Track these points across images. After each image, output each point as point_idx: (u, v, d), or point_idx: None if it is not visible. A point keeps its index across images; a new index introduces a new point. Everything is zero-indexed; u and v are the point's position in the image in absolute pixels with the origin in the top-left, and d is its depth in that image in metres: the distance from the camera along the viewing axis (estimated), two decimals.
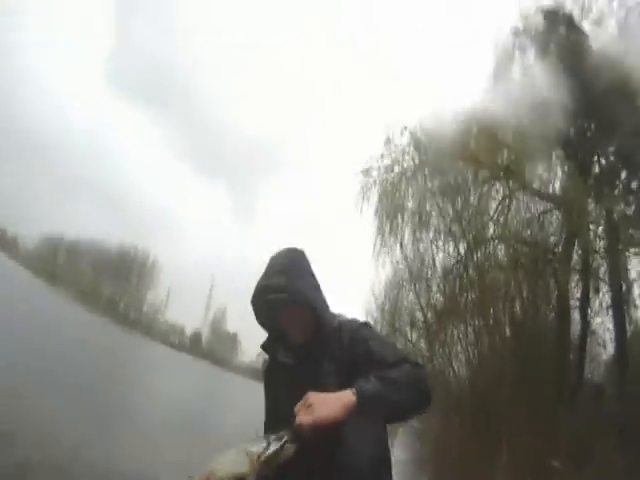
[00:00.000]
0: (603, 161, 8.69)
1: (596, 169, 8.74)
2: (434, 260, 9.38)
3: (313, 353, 1.51)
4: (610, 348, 8.05)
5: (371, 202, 9.53)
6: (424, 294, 9.50)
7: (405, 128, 9.51)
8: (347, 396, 1.25)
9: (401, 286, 9.79)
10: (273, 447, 1.24)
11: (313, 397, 1.25)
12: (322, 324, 1.52)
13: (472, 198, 9.03)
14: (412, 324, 9.66)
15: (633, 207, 8.07)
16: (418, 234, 9.37)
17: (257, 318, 1.61)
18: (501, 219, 8.78)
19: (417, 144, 9.56)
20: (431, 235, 9.34)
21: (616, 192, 8.35)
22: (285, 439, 1.24)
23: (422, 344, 9.64)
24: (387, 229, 9.35)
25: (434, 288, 9.39)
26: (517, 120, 8.78)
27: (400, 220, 9.42)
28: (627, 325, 7.88)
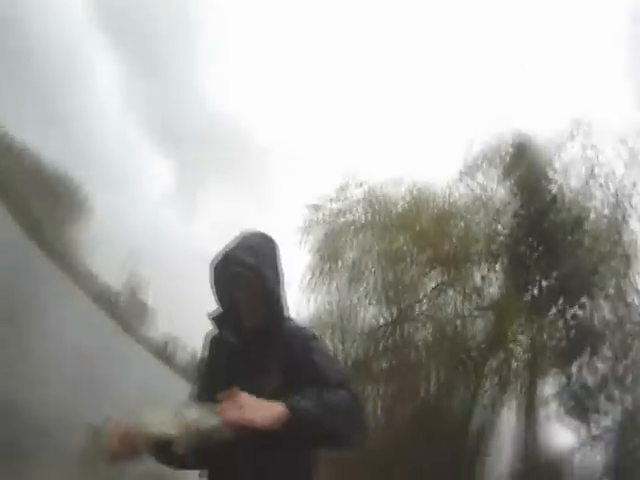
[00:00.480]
0: (544, 284, 8.82)
1: (535, 290, 8.83)
2: (362, 316, 9.24)
3: (260, 340, 1.47)
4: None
5: (312, 238, 9.43)
6: (346, 345, 9.23)
7: (362, 184, 9.48)
8: (279, 408, 1.19)
9: (325, 329, 9.37)
10: (211, 421, 1.17)
11: (245, 398, 1.18)
12: (276, 315, 1.50)
13: (412, 270, 8.70)
14: None
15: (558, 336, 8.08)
16: (352, 285, 9.22)
17: (214, 285, 1.55)
18: (433, 302, 8.50)
19: (371, 203, 9.52)
20: (363, 290, 9.16)
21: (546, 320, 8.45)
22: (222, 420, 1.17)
23: None
24: (322, 269, 9.22)
25: (356, 343, 9.15)
26: (470, 217, 8.99)
27: (336, 266, 9.31)
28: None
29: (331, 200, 9.61)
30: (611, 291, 8.50)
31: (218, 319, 1.56)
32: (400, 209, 9.27)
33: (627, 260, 8.42)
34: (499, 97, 14.13)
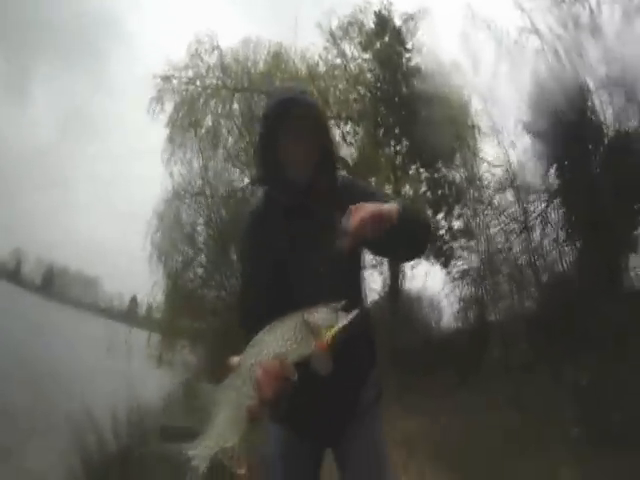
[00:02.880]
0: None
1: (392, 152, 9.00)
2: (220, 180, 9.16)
3: (320, 197, 1.35)
4: None
5: (165, 110, 8.92)
6: (205, 211, 9.24)
7: (216, 47, 9.05)
8: (393, 204, 1.20)
9: (183, 198, 9.29)
10: (342, 320, 1.08)
11: (364, 205, 1.14)
12: (333, 167, 1.39)
13: None
14: (191, 239, 9.37)
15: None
16: (210, 152, 9.02)
17: (264, 136, 1.36)
18: None
19: (227, 66, 9.04)
20: (222, 156, 9.06)
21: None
22: (356, 312, 1.09)
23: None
24: (178, 141, 8.94)
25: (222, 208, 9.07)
26: (330, 82, 9.02)
27: (194, 135, 8.97)
28: None
29: (185, 67, 8.93)
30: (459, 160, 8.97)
31: (264, 183, 1.43)
32: (258, 71, 8.81)
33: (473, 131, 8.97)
34: None
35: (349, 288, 1.34)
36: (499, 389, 5.41)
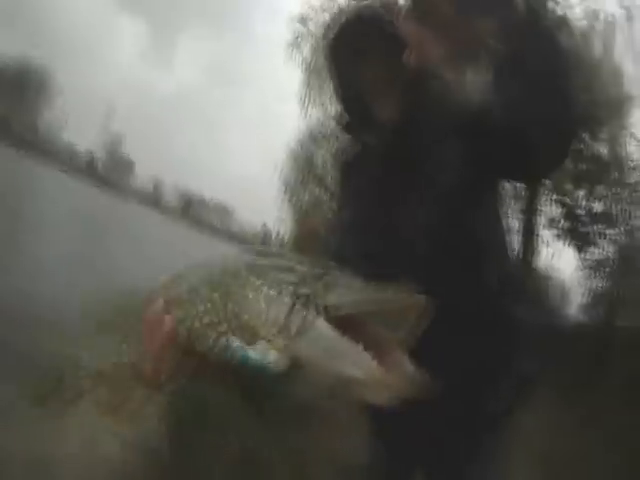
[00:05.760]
0: None
1: None
2: None
3: (413, 133, 1.03)
4: None
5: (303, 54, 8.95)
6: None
7: None
8: None
9: (317, 140, 9.64)
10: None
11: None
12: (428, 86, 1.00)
13: None
14: (321, 181, 9.59)
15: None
16: None
17: (335, 70, 1.16)
18: None
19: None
20: None
21: None
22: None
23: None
24: (314, 84, 8.82)
25: None
26: None
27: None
28: None
29: (322, 9, 8.56)
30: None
31: (350, 123, 1.19)
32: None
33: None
34: None
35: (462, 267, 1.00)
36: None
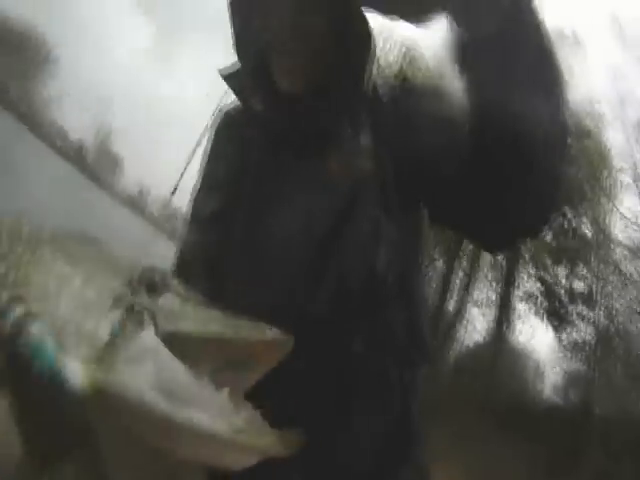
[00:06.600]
0: None
1: None
2: None
3: (323, 104, 0.78)
4: None
5: None
6: None
7: None
8: None
9: None
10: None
11: None
12: (361, 59, 0.76)
13: None
14: None
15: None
16: None
17: (236, 13, 0.80)
18: None
19: None
20: None
21: None
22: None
23: None
24: None
25: None
26: None
27: None
28: None
29: None
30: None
31: (236, 79, 0.84)
32: None
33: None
34: None
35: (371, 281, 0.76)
36: None
